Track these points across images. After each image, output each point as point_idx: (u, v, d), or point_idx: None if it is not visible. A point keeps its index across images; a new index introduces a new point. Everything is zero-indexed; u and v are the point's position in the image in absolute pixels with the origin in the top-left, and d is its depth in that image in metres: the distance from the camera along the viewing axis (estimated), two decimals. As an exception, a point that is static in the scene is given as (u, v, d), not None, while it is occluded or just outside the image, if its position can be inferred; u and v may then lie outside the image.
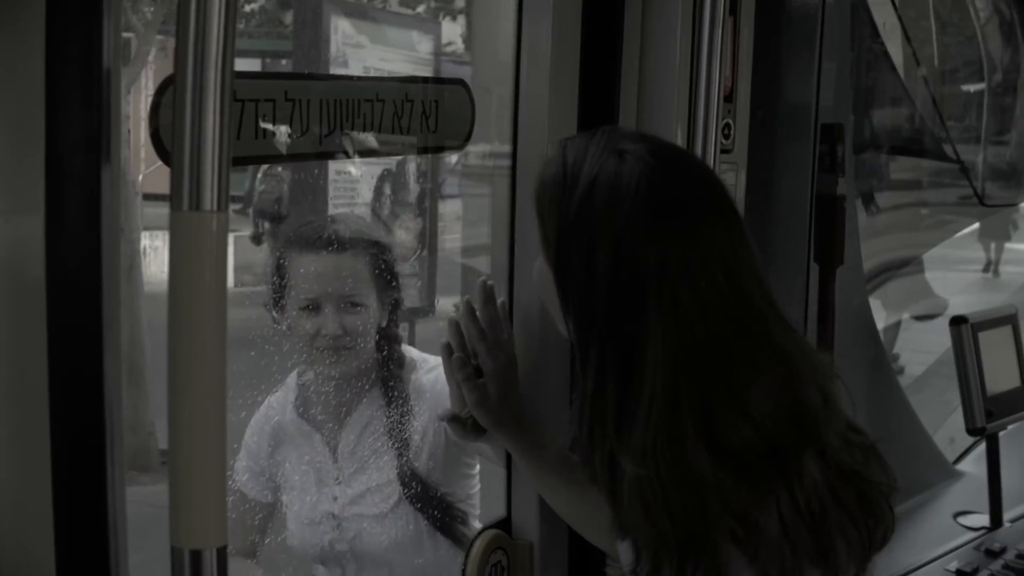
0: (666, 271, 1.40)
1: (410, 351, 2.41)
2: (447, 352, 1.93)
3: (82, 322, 1.42)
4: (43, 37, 1.36)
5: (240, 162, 1.64)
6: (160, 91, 1.51)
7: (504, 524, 2.17)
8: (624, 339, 1.41)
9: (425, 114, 1.94)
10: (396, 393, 2.35)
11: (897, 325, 4.41)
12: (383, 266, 2.32)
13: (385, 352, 2.35)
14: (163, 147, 1.49)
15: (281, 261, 2.30)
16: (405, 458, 2.33)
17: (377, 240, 2.39)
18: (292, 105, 1.69)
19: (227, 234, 1.17)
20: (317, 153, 1.79)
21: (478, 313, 1.93)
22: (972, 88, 4.53)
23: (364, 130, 1.83)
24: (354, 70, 4.56)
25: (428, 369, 2.37)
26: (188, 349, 1.16)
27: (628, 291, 1.41)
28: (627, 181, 1.44)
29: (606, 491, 1.47)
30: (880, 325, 3.40)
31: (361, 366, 2.32)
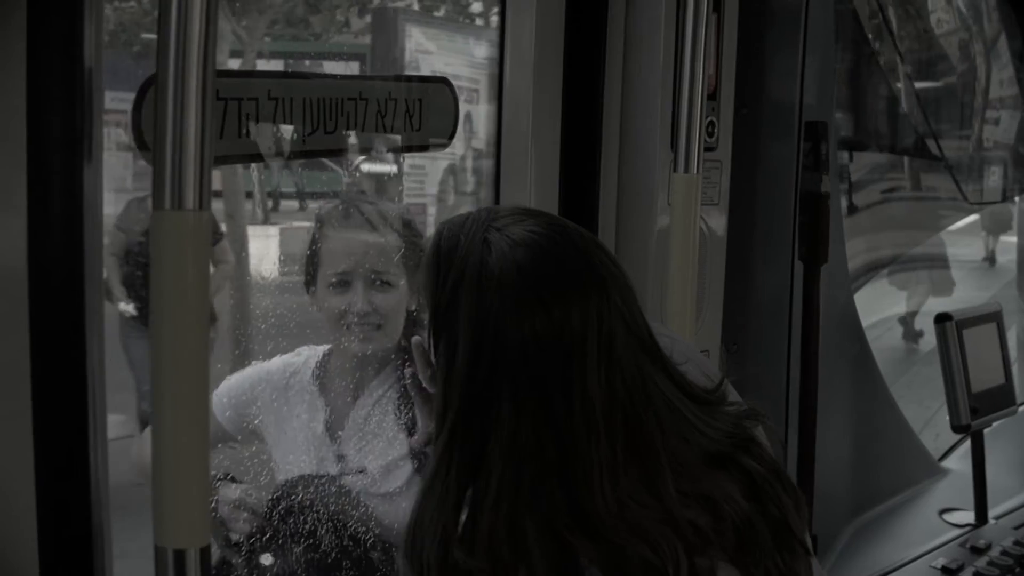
0: (519, 366, 1.39)
1: None
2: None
3: (65, 320, 1.42)
4: (25, 36, 1.36)
5: (222, 161, 1.63)
6: (142, 90, 1.50)
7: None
8: (475, 430, 1.40)
9: (409, 112, 1.94)
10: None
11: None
12: (414, 249, 2.34)
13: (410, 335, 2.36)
14: (146, 146, 1.48)
15: (314, 239, 2.31)
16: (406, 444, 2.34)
17: (409, 222, 2.40)
18: (275, 104, 1.69)
19: (209, 233, 1.16)
20: (300, 152, 1.79)
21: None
22: (957, 86, 4.55)
23: (348, 129, 1.83)
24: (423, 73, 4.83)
25: None
26: (170, 348, 1.16)
27: (483, 384, 1.40)
28: (489, 278, 1.42)
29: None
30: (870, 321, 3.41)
31: (388, 347, 2.33)
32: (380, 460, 2.33)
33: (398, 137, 1.96)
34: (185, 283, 1.15)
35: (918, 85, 3.86)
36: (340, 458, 2.34)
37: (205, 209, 1.15)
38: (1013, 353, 3.79)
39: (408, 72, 4.77)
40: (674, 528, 1.38)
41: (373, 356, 2.32)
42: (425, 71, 4.72)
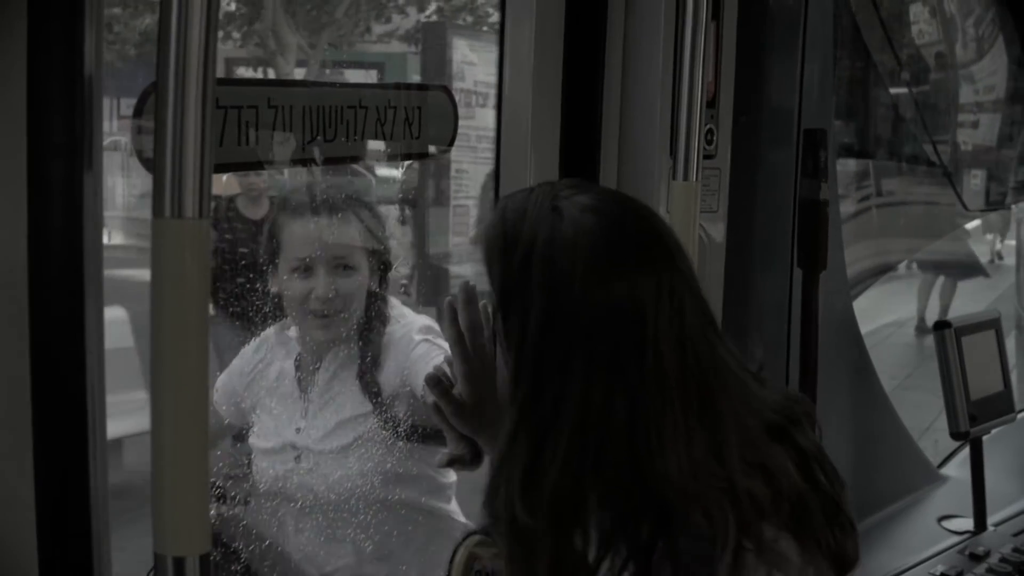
0: (593, 330, 1.41)
1: (397, 308, 2.47)
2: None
3: (65, 326, 1.42)
4: (25, 44, 1.36)
5: (222, 169, 1.64)
6: (142, 98, 1.51)
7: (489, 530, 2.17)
8: (546, 398, 1.42)
9: (408, 120, 1.95)
10: (372, 345, 2.41)
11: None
12: (374, 230, 2.38)
13: (372, 312, 2.41)
14: (145, 153, 1.49)
15: (273, 227, 2.37)
16: (373, 402, 2.40)
17: (367, 204, 2.44)
18: (275, 112, 1.69)
19: (209, 241, 1.16)
20: (300, 160, 1.79)
21: (459, 316, 1.93)
22: (955, 93, 4.55)
23: (347, 136, 1.83)
24: (467, 84, 5.08)
25: (403, 324, 2.42)
26: (170, 356, 1.16)
27: (554, 352, 1.42)
28: (562, 241, 1.44)
29: (499, 530, 1.47)
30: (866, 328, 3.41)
31: (349, 328, 2.38)
32: (335, 417, 2.41)
33: (397, 144, 1.97)
34: (185, 292, 1.15)
35: (917, 91, 3.86)
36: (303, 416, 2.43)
37: (205, 217, 1.15)
38: (1012, 360, 3.79)
39: (455, 81, 5.00)
40: (732, 499, 1.39)
41: (335, 337, 2.39)
42: (469, 81, 4.93)
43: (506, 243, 1.48)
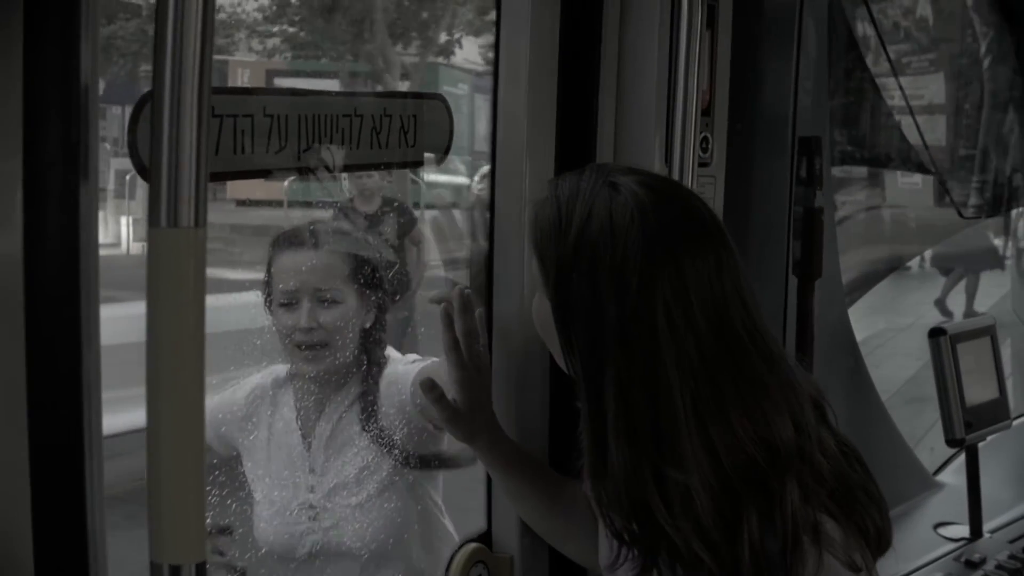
0: (670, 297, 1.42)
1: (392, 353, 2.45)
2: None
3: (61, 331, 1.42)
4: (20, 52, 1.36)
5: (218, 178, 1.64)
6: (138, 107, 1.51)
7: (485, 538, 2.17)
8: (640, 366, 1.43)
9: (403, 129, 1.95)
10: (372, 389, 2.41)
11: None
12: (363, 266, 2.37)
13: (367, 354, 2.40)
14: (141, 163, 1.49)
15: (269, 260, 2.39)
16: (381, 449, 2.39)
17: (359, 239, 2.44)
18: (270, 121, 1.69)
19: (205, 250, 1.17)
20: (295, 169, 1.79)
21: (455, 322, 1.93)
22: (952, 99, 4.55)
23: (342, 145, 1.83)
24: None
25: (406, 362, 2.42)
26: (167, 365, 1.16)
27: (636, 318, 1.42)
28: (622, 213, 1.45)
29: (636, 507, 1.47)
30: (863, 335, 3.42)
31: (340, 364, 2.35)
32: (349, 471, 2.36)
33: (392, 153, 1.97)
34: (182, 301, 1.15)
35: (912, 100, 3.86)
36: (311, 472, 2.36)
37: (201, 226, 1.15)
38: (1007, 367, 3.79)
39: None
40: (797, 469, 1.42)
41: (329, 372, 2.36)
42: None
43: (560, 221, 1.49)
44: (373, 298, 2.39)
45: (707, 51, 2.18)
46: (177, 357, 1.15)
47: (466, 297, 1.94)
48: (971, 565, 2.91)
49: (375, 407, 2.39)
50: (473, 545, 2.13)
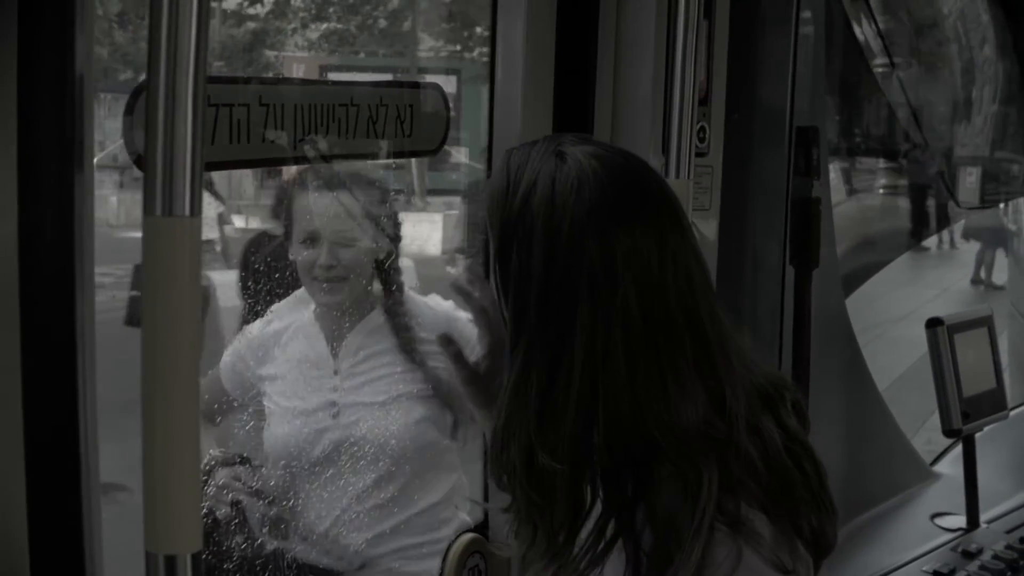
0: (597, 269, 1.40)
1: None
2: None
3: (56, 326, 1.42)
4: (15, 44, 1.36)
5: (214, 167, 1.64)
6: (134, 96, 1.50)
7: (482, 528, 2.17)
8: (552, 334, 1.41)
9: (400, 118, 1.94)
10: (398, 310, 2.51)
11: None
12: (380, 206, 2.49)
13: (386, 283, 2.51)
14: (137, 152, 1.48)
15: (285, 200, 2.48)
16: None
17: (374, 181, 2.51)
18: (266, 110, 1.69)
19: (200, 239, 1.16)
20: (291, 158, 1.79)
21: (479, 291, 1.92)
22: (949, 91, 4.56)
23: (338, 134, 1.83)
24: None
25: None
26: (162, 354, 1.16)
27: (560, 287, 1.41)
28: (564, 182, 1.44)
29: (514, 481, 1.47)
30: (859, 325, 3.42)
31: (360, 293, 2.47)
32: (377, 375, 2.48)
33: (389, 142, 1.97)
34: (177, 290, 1.14)
35: (909, 90, 3.86)
36: (336, 374, 2.48)
37: (196, 215, 1.15)
38: (1004, 358, 3.80)
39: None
40: (720, 455, 1.39)
41: (346, 303, 2.46)
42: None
43: (508, 186, 1.48)
44: (389, 232, 2.49)
45: (704, 41, 2.18)
46: (172, 345, 1.15)
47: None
48: (968, 555, 2.92)
49: (409, 326, 2.49)
50: (470, 535, 2.13)
